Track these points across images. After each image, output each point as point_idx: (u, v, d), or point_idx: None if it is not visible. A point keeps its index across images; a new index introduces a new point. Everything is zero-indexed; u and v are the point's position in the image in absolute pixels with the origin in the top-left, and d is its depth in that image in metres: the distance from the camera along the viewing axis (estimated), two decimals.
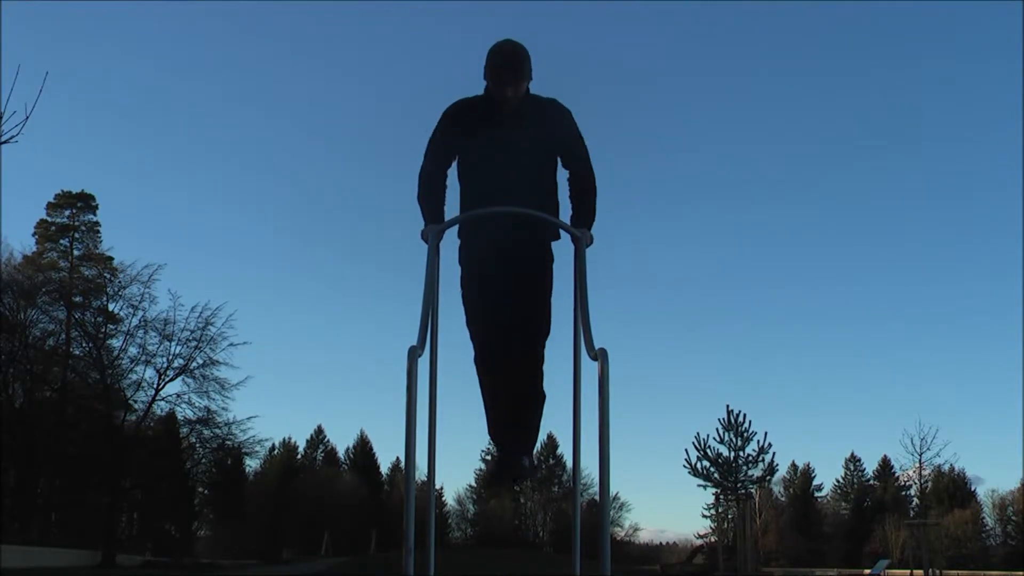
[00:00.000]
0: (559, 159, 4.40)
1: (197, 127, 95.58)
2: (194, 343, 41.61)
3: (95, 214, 50.38)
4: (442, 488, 78.06)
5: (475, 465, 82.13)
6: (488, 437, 4.50)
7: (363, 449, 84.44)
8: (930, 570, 40.97)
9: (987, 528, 75.83)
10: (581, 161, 4.39)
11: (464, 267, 4.39)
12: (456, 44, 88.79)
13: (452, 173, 4.47)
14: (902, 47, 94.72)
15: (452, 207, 4.42)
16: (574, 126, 4.36)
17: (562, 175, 4.46)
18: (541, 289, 4.33)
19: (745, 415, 42.29)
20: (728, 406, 42.62)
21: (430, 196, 4.36)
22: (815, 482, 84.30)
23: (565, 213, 4.41)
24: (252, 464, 58.74)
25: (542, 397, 4.39)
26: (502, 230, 4.25)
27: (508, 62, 4.17)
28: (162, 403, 42.91)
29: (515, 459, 4.27)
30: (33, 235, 49.33)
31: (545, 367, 4.40)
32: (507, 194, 4.20)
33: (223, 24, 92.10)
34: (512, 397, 4.27)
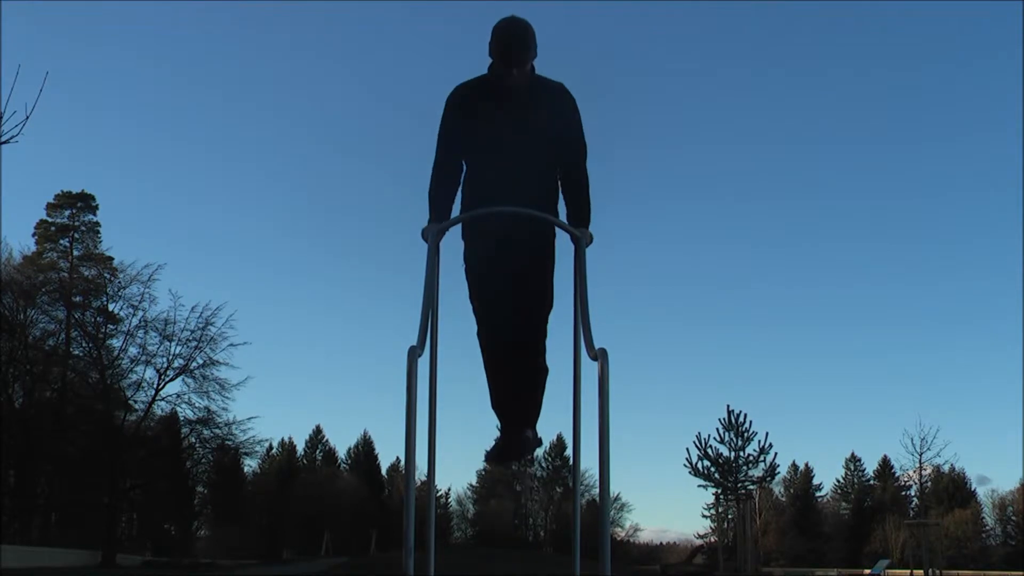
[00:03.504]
0: (557, 147, 4.32)
1: (197, 127, 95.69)
2: (194, 343, 41.65)
3: (95, 214, 50.41)
4: (448, 490, 78.51)
5: (476, 465, 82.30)
6: (492, 411, 4.46)
7: (365, 449, 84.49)
8: (930, 570, 40.94)
9: (987, 528, 75.85)
10: (575, 160, 4.33)
11: (467, 241, 4.37)
12: (456, 43, 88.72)
13: None
14: (901, 47, 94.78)
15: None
16: (576, 121, 4.30)
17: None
18: (542, 262, 4.30)
19: (746, 415, 42.31)
20: (729, 406, 42.64)
21: (440, 192, 4.32)
22: (815, 482, 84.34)
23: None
24: (252, 464, 58.80)
25: (544, 371, 4.37)
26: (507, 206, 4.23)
27: (515, 40, 4.12)
28: (162, 403, 42.98)
29: (519, 434, 4.26)
30: (33, 235, 49.40)
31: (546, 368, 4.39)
32: (510, 182, 4.18)
33: (223, 24, 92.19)
34: (514, 371, 4.27)
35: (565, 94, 4.29)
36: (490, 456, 4.29)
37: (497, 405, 4.37)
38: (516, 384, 4.28)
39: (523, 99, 4.21)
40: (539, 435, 4.43)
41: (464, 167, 4.38)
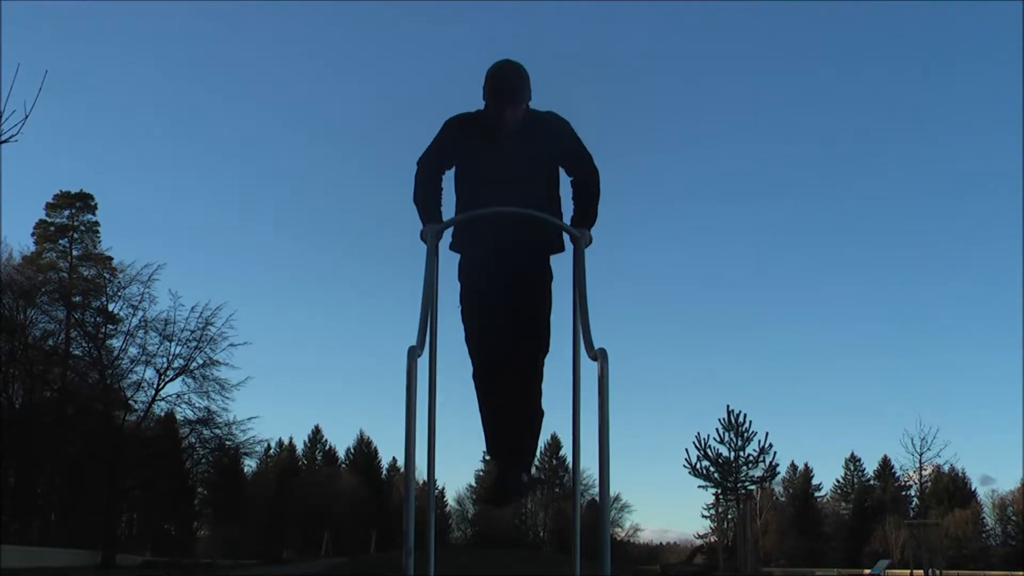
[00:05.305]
0: (562, 168, 4.36)
1: (197, 127, 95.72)
2: (194, 343, 41.56)
3: (94, 214, 50.42)
4: (444, 488, 78.42)
5: (475, 465, 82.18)
6: (486, 451, 4.42)
7: (363, 449, 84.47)
8: (930, 570, 40.95)
9: (987, 528, 75.86)
10: (584, 162, 4.35)
11: (463, 283, 4.33)
12: (455, 44, 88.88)
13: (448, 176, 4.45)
14: (900, 46, 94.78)
15: (449, 212, 4.39)
16: (573, 133, 4.33)
17: (565, 184, 4.41)
18: (540, 305, 4.27)
19: (745, 415, 42.31)
20: (728, 406, 42.63)
21: (427, 196, 4.33)
22: (815, 482, 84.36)
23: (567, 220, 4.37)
24: (251, 464, 58.79)
25: (540, 414, 4.33)
26: (502, 244, 4.20)
27: (507, 85, 4.14)
28: (162, 403, 42.94)
29: (513, 478, 4.19)
30: (32, 235, 49.41)
31: (545, 367, 4.36)
32: (508, 204, 4.14)
33: (223, 24, 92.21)
34: (510, 414, 4.20)
35: (556, 118, 4.32)
36: (485, 498, 4.25)
37: (491, 448, 4.31)
38: (512, 426, 4.21)
39: (517, 135, 4.21)
40: (535, 476, 4.40)
41: (445, 171, 4.38)
